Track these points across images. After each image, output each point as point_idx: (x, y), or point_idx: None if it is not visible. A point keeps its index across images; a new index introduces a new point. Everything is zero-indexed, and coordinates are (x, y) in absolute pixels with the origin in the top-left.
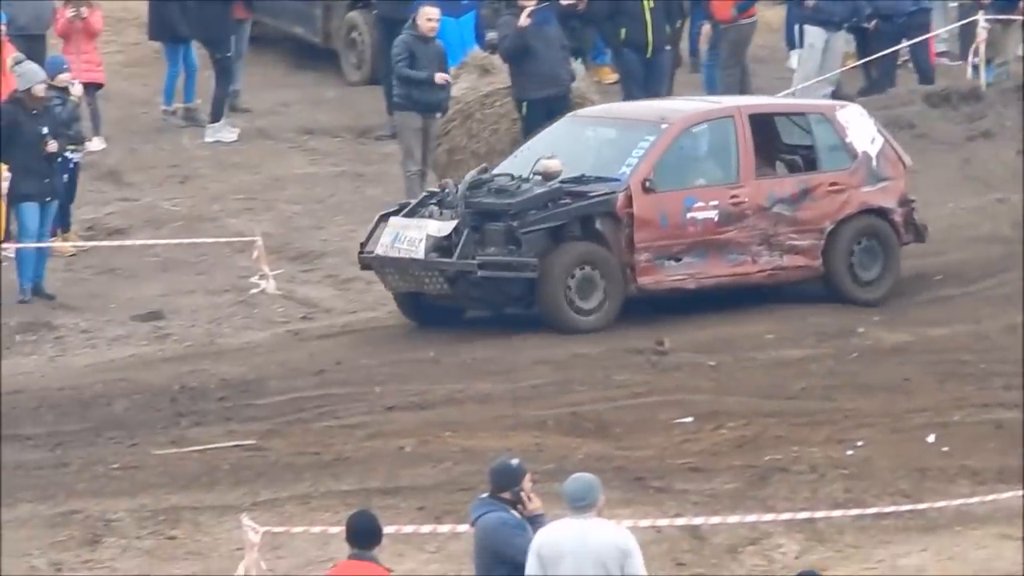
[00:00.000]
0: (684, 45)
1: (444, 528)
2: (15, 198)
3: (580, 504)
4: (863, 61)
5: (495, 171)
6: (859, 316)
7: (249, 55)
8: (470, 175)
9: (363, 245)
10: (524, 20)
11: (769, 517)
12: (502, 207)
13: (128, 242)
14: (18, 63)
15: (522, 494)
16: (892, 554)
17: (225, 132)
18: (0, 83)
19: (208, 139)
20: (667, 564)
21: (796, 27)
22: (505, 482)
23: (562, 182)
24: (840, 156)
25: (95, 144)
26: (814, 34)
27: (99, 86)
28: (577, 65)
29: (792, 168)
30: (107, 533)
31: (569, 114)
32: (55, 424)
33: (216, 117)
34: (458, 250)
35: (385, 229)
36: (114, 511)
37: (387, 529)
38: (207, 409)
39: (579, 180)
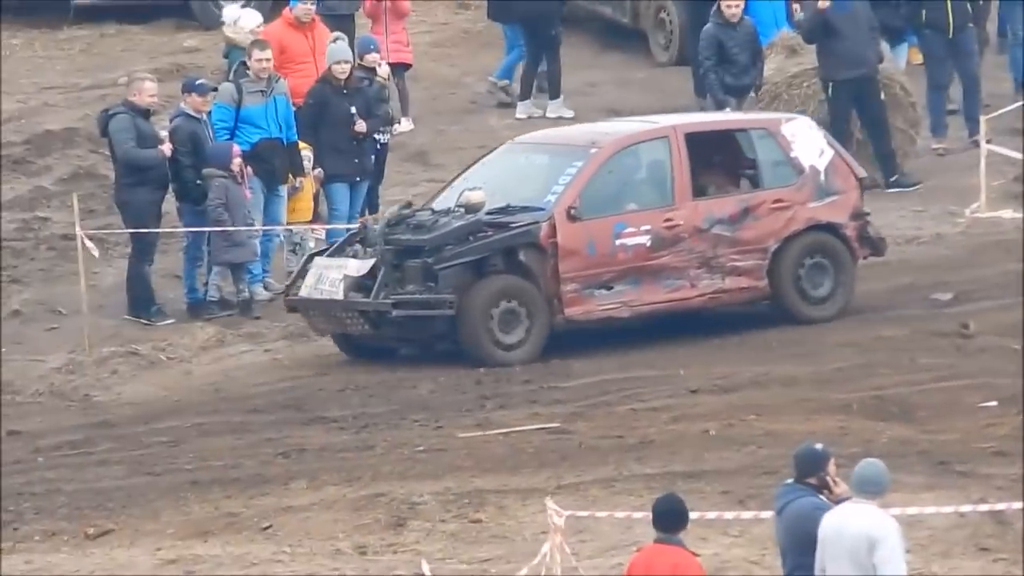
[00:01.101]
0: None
1: (748, 514)
2: (324, 178)
3: (869, 489)
4: None
5: (430, 204)
6: None
7: None
8: (391, 211)
9: (288, 287)
10: (823, 3)
11: None
12: (418, 243)
13: None
14: (334, 41)
15: (828, 478)
16: None
17: (564, 109)
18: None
19: (551, 115)
20: (970, 549)
21: None
22: (810, 467)
23: (487, 213)
24: (785, 172)
25: (403, 125)
26: None
27: (407, 67)
28: (899, 48)
29: (733, 187)
30: (412, 516)
31: (509, 141)
32: (361, 406)
33: (555, 93)
34: (375, 290)
35: (310, 270)
36: (419, 494)
37: (690, 514)
38: (511, 392)
39: (504, 211)
